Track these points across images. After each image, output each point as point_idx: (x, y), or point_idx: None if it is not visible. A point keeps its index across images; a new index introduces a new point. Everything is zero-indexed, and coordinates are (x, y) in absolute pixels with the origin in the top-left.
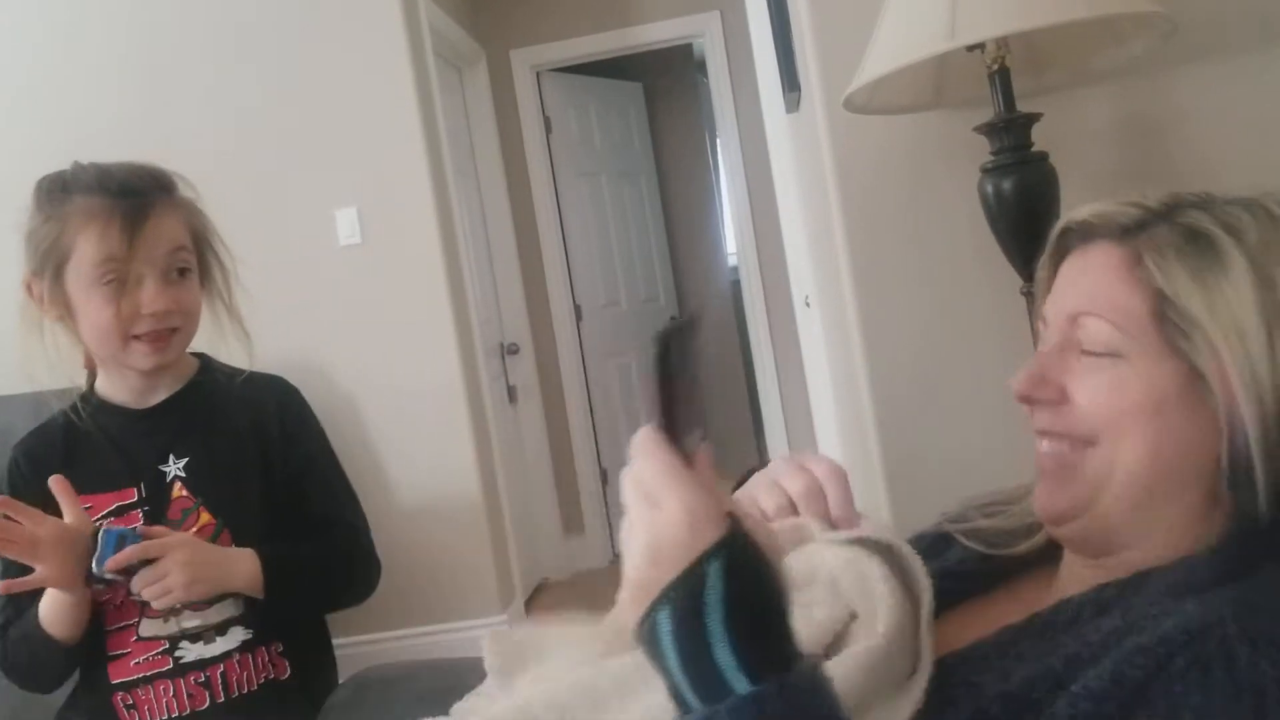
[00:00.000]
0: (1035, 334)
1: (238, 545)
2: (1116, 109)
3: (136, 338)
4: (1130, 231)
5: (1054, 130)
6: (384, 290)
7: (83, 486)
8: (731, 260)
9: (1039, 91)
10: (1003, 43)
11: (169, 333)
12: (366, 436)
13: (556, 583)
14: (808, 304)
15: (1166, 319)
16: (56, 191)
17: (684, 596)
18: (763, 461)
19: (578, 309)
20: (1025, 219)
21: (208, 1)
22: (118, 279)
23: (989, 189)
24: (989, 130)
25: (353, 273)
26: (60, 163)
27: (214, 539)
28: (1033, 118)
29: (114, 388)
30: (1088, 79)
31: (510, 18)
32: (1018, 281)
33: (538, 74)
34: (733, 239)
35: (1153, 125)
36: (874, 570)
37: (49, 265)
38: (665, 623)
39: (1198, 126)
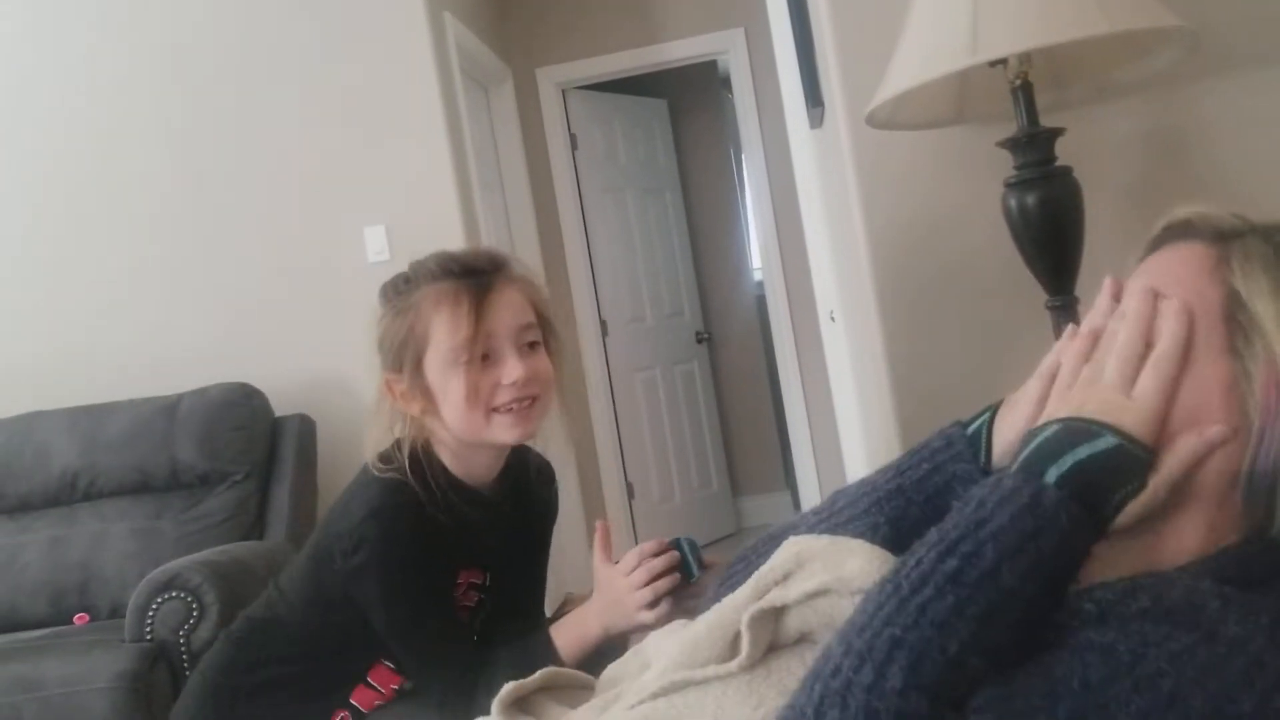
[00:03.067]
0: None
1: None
2: (1140, 122)
3: (498, 411)
4: (1225, 236)
5: (1078, 144)
6: None
7: (458, 561)
8: (756, 275)
9: (1062, 106)
10: (1025, 58)
11: (530, 402)
12: None
13: (581, 596)
14: (832, 319)
15: (1234, 320)
16: (401, 286)
17: (1079, 433)
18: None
19: (603, 324)
20: (1049, 233)
21: (239, 25)
22: (473, 357)
23: (1013, 204)
24: (1012, 145)
25: None
26: (95, 186)
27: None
28: (1056, 132)
29: (460, 465)
30: (1111, 93)
31: (536, 36)
32: (1042, 295)
33: (563, 91)
34: (757, 254)
35: (1177, 138)
36: None
37: (407, 358)
38: (1055, 427)
39: (1223, 139)
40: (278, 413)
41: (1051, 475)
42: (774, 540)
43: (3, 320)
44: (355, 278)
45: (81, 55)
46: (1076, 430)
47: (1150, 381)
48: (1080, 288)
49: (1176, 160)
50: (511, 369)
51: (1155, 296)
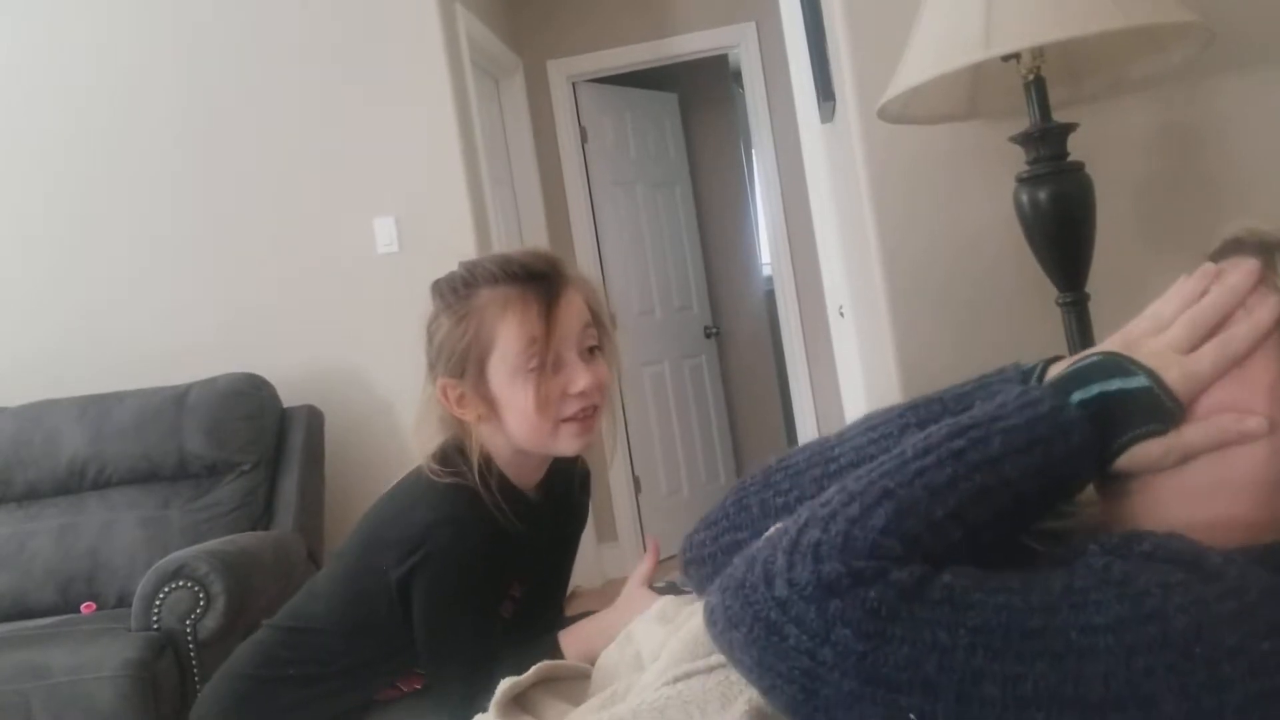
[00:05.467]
0: (1071, 342)
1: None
2: (1154, 118)
3: (564, 421)
4: (1268, 247)
5: (1090, 139)
6: (421, 298)
7: (512, 574)
8: (766, 270)
9: (1075, 101)
10: (1038, 52)
11: (593, 410)
12: (403, 444)
13: (588, 590)
14: (841, 314)
15: None
16: (460, 289)
17: (1115, 368)
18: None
19: (612, 318)
20: (1061, 229)
21: (250, 15)
22: (541, 364)
23: (1024, 199)
24: (1025, 140)
25: (390, 281)
26: (106, 176)
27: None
28: (1069, 127)
29: (514, 471)
30: (1125, 88)
31: (547, 28)
32: (1053, 291)
33: (574, 84)
34: (767, 248)
35: (1190, 134)
36: None
37: (471, 363)
38: (1096, 357)
39: (1236, 136)
40: (286, 403)
41: (1076, 397)
42: (797, 474)
43: (13, 309)
44: (364, 269)
45: (93, 45)
46: (1114, 365)
47: (1212, 352)
48: (1091, 284)
49: (1190, 156)
50: (580, 378)
51: (1260, 280)
